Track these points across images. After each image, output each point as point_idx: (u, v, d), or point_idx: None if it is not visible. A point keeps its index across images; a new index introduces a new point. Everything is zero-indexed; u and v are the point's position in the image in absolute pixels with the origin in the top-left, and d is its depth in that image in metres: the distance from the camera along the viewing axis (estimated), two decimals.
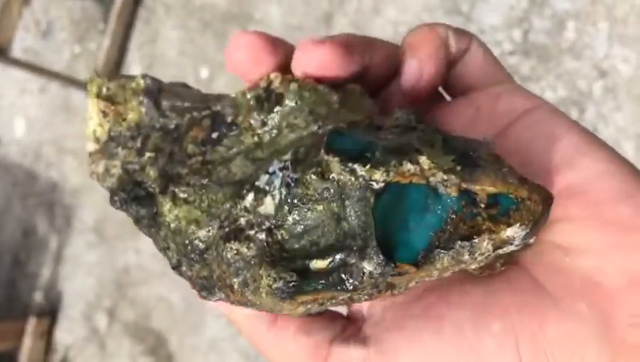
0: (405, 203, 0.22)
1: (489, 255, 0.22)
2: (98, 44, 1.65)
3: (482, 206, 0.22)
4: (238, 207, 0.24)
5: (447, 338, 0.23)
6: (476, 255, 0.22)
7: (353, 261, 0.22)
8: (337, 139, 0.22)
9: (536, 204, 0.22)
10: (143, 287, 1.55)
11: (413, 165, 0.22)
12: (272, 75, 0.26)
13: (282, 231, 0.23)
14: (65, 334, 1.65)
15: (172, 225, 0.26)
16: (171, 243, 0.26)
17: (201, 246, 0.25)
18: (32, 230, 1.76)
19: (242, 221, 0.24)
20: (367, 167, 0.22)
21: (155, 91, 0.28)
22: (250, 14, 1.48)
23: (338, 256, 0.22)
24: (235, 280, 0.23)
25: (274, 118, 0.25)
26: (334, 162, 0.22)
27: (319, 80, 0.26)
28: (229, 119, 0.26)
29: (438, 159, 0.22)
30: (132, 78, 0.29)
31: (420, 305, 0.25)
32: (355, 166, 0.22)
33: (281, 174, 0.23)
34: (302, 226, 0.23)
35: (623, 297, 0.23)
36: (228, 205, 0.24)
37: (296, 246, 0.23)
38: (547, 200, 0.22)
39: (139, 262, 1.56)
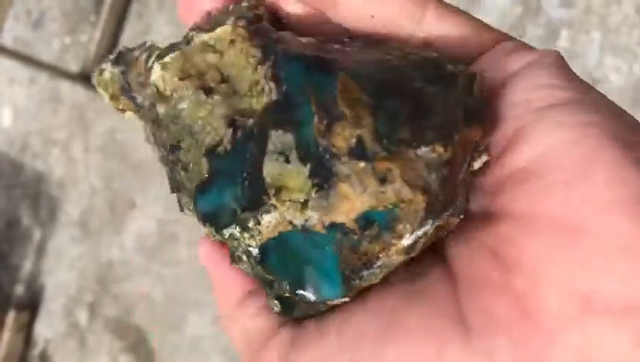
0: (295, 246, 0.20)
1: (405, 258, 0.20)
2: (89, 36, 1.63)
3: (357, 232, 0.19)
4: None
5: (346, 346, 0.20)
6: (392, 268, 0.20)
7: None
8: (201, 201, 0.21)
9: (412, 203, 0.18)
10: (126, 283, 1.54)
11: (269, 216, 0.19)
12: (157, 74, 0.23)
13: None
14: (45, 328, 1.63)
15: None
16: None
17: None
18: (16, 221, 1.74)
19: None
20: (238, 231, 0.20)
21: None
22: None
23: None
24: None
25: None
26: (211, 229, 0.21)
27: None
28: None
29: (289, 194, 0.19)
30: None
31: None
32: (225, 232, 0.20)
33: None
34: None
35: (563, 336, 0.17)
36: None
37: None
38: (427, 189, 0.18)
39: (122, 258, 1.55)
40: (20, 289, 1.69)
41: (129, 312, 1.52)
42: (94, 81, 0.25)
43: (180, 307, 1.45)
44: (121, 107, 0.25)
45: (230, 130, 0.20)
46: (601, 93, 0.20)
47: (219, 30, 0.21)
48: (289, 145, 0.19)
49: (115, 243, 1.56)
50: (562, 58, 0.21)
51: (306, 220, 0.19)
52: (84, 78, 1.55)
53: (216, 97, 0.21)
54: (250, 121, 0.20)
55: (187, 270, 1.44)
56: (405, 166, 0.18)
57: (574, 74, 0.21)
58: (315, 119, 0.18)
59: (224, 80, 0.21)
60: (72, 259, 1.63)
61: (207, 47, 0.21)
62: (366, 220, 0.18)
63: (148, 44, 0.24)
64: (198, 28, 0.23)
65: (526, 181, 0.18)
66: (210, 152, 0.21)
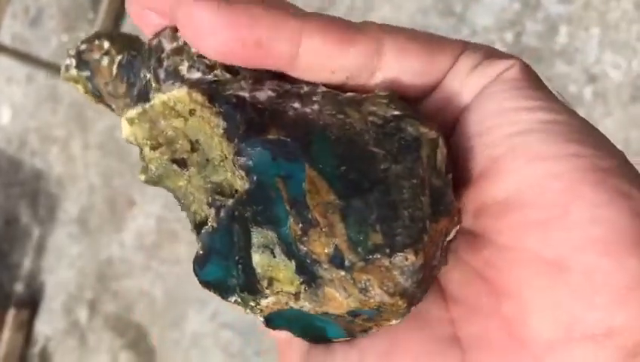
0: (297, 314, 0.21)
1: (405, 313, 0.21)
2: (87, 34, 1.63)
3: (349, 318, 0.20)
4: None
5: None
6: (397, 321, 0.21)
7: None
8: (200, 274, 0.21)
9: (394, 306, 0.19)
10: (126, 280, 1.54)
11: (267, 300, 0.20)
12: (126, 131, 0.22)
13: None
14: (45, 326, 1.63)
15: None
16: None
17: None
18: (15, 219, 1.74)
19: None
20: (241, 301, 0.20)
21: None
22: None
23: None
24: None
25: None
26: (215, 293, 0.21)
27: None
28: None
29: (281, 285, 0.20)
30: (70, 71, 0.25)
31: None
32: (230, 299, 0.21)
33: None
34: None
35: (549, 359, 0.18)
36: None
37: None
38: (405, 293, 0.19)
39: (122, 255, 1.55)
40: (19, 288, 1.69)
41: (129, 309, 1.53)
42: (62, 77, 0.25)
43: (179, 304, 1.45)
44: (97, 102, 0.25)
45: (213, 210, 0.21)
46: (571, 111, 0.20)
47: (176, 92, 0.21)
48: (272, 241, 0.20)
49: (115, 240, 1.56)
50: (527, 68, 0.21)
51: (301, 307, 0.20)
52: None
53: (191, 169, 0.21)
54: (230, 202, 0.20)
55: (187, 267, 1.44)
56: (382, 276, 0.19)
57: (542, 86, 0.21)
58: (291, 220, 0.19)
59: (194, 148, 0.21)
60: (71, 256, 1.63)
61: (169, 109, 0.21)
62: (354, 314, 0.20)
63: (103, 43, 0.24)
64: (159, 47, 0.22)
65: (505, 213, 0.19)
66: (199, 227, 0.21)
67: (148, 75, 0.21)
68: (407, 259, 0.18)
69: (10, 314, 1.59)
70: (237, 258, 0.20)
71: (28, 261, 1.69)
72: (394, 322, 0.20)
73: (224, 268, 0.21)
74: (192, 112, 0.21)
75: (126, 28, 1.61)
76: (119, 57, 0.23)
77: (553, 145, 0.18)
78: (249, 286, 0.20)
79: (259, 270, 0.20)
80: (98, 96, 0.24)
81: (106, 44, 0.24)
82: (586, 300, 0.17)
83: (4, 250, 1.74)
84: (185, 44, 0.21)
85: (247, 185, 0.20)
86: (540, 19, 1.18)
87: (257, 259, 0.20)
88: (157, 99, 0.21)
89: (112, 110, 0.24)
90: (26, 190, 1.73)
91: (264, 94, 0.21)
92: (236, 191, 0.20)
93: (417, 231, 0.19)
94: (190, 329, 1.44)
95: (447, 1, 1.26)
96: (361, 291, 0.19)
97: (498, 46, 1.20)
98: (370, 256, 0.18)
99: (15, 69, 1.75)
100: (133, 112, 0.21)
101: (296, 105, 0.21)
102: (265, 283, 0.20)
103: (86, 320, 1.58)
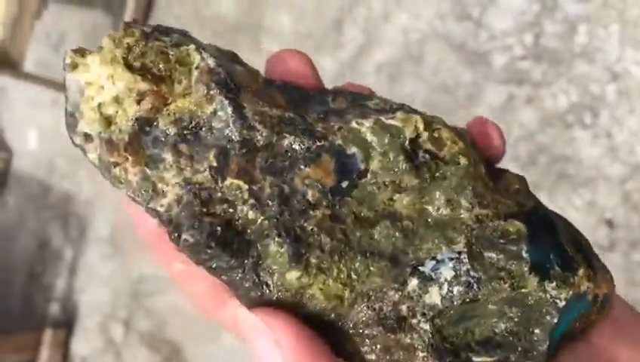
0: None
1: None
2: None
3: (597, 304, 0.23)
4: (400, 292, 0.21)
5: None
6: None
7: (514, 359, 0.21)
8: (531, 253, 0.22)
9: (612, 294, 0.24)
10: (158, 297, 1.56)
11: (578, 278, 0.22)
12: (420, 125, 0.21)
13: (442, 321, 0.21)
14: (81, 345, 1.66)
15: (294, 292, 0.21)
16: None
17: (349, 325, 0.21)
18: (47, 242, 1.77)
19: (403, 308, 0.21)
20: (556, 284, 0.21)
21: (229, 82, 0.21)
22: (260, 23, 1.48)
23: (503, 354, 0.21)
24: None
25: (430, 190, 0.22)
26: (531, 279, 0.21)
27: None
28: (360, 165, 0.21)
29: (585, 269, 0.22)
30: (178, 42, 0.21)
31: None
32: (547, 285, 0.21)
33: (451, 264, 0.21)
34: (463, 318, 0.22)
35: None
36: (380, 284, 0.21)
37: (452, 333, 0.22)
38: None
39: (153, 272, 1.57)
40: (54, 308, 1.71)
41: (163, 326, 1.54)
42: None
43: (212, 318, 1.47)
44: None
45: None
46: None
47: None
48: None
49: (146, 258, 1.58)
50: None
51: (588, 287, 0.23)
52: None
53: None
54: None
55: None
56: None
57: None
58: None
59: None
60: (104, 276, 1.65)
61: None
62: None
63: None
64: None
65: None
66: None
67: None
68: None
69: (47, 335, 1.61)
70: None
71: (62, 282, 1.72)
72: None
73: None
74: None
75: None
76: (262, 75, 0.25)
77: None
78: (565, 263, 0.22)
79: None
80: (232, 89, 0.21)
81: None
82: None
83: (38, 271, 1.77)
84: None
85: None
86: (559, 20, 1.18)
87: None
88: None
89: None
90: (56, 213, 1.76)
91: None
92: None
93: None
94: (224, 343, 1.45)
95: (464, 6, 1.26)
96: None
97: (517, 49, 1.20)
98: None
99: (40, 94, 1.79)
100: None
101: None
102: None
103: (121, 338, 1.60)
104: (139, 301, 1.59)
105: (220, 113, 0.21)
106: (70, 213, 1.73)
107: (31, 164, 1.83)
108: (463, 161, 0.22)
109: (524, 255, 0.21)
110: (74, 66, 0.22)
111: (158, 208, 0.21)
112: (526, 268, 0.21)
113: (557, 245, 0.22)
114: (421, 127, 0.21)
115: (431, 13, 1.29)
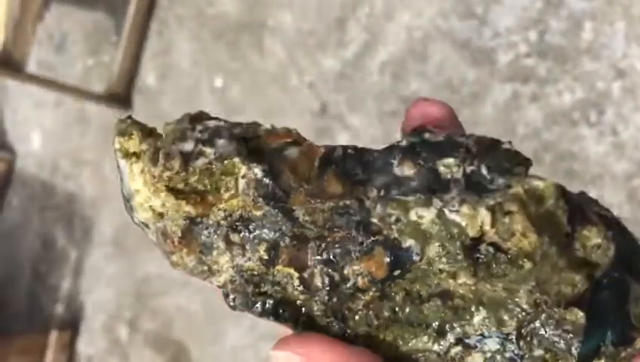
0: None
1: None
2: (111, 57, 1.65)
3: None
4: (442, 354, 0.22)
5: None
6: None
7: None
8: (583, 347, 0.21)
9: None
10: (163, 297, 1.56)
11: (633, 349, 0.22)
12: (487, 224, 0.20)
13: None
14: (87, 346, 1.66)
15: None
16: None
17: None
18: (51, 243, 1.77)
19: None
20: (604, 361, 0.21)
21: (277, 192, 0.21)
22: (263, 22, 1.48)
23: None
24: None
25: (491, 280, 0.21)
26: None
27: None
28: (415, 257, 0.21)
29: None
30: (222, 155, 0.20)
31: None
32: None
33: (497, 339, 0.21)
34: None
35: None
36: (423, 348, 0.21)
37: None
38: None
39: (158, 273, 1.57)
40: (60, 309, 1.72)
41: (168, 326, 1.54)
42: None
43: (218, 318, 1.47)
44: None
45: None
46: None
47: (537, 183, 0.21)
48: None
49: (150, 258, 1.58)
50: None
51: None
52: (109, 98, 1.57)
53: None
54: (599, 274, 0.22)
55: None
56: None
57: None
58: None
59: None
60: (108, 276, 1.65)
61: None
62: None
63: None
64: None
65: None
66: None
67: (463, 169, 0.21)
68: None
69: (53, 337, 1.61)
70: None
71: (66, 283, 1.72)
72: None
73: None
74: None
75: (149, 49, 1.63)
76: (321, 149, 0.22)
77: None
78: (620, 340, 0.21)
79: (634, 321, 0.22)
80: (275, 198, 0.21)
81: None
82: None
83: (43, 272, 1.77)
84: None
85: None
86: (564, 17, 1.17)
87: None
88: (519, 185, 0.20)
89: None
90: (60, 213, 1.76)
91: None
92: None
93: None
94: (230, 343, 1.45)
95: (467, 4, 1.25)
96: None
97: (522, 46, 1.20)
98: None
99: (43, 95, 1.79)
100: (490, 201, 0.20)
101: None
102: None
103: (126, 338, 1.60)
104: (144, 301, 1.59)
105: (269, 216, 0.21)
106: (74, 213, 1.73)
107: (34, 165, 1.83)
108: (527, 265, 0.20)
109: (574, 351, 0.21)
110: (125, 153, 0.22)
111: (215, 283, 0.22)
112: (573, 361, 0.21)
113: (618, 320, 0.21)
114: (487, 226, 0.20)
115: (434, 11, 1.28)
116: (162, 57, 1.61)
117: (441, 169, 0.21)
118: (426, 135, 0.22)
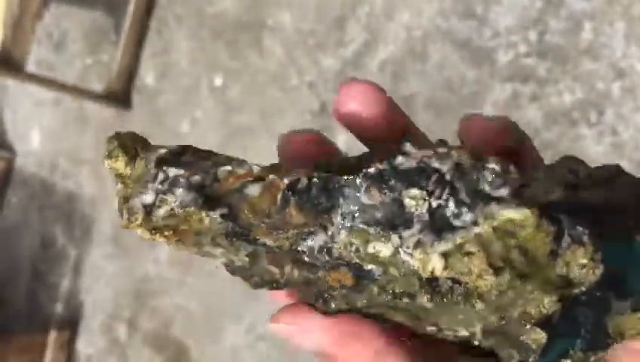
0: None
1: None
2: (110, 56, 1.65)
3: None
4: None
5: None
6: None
7: None
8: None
9: None
10: (162, 297, 1.56)
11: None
12: (438, 269, 0.20)
13: None
14: (86, 345, 1.66)
15: None
16: None
17: None
18: (51, 241, 1.77)
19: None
20: None
21: (237, 230, 0.22)
22: (262, 21, 1.48)
23: None
24: None
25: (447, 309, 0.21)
26: None
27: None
28: (378, 277, 0.21)
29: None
30: (182, 203, 0.22)
31: None
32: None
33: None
34: None
35: None
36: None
37: None
38: None
39: (157, 272, 1.57)
40: (59, 308, 1.72)
41: (167, 325, 1.54)
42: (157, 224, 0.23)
43: (216, 318, 1.47)
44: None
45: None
46: None
47: (515, 213, 0.20)
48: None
49: (150, 258, 1.58)
50: None
51: None
52: (108, 97, 1.57)
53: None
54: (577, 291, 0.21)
55: (221, 281, 1.46)
56: None
57: None
58: None
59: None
60: (108, 276, 1.65)
61: (504, 231, 0.21)
62: None
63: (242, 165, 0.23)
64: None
65: None
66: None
67: (435, 201, 0.20)
68: None
69: (52, 336, 1.61)
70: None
71: (66, 282, 1.72)
72: None
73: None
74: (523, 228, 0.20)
75: (148, 48, 1.63)
76: (284, 181, 0.22)
77: None
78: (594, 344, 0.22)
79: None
80: (240, 234, 0.22)
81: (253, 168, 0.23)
82: None
83: (42, 271, 1.77)
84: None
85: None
86: (564, 17, 1.17)
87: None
88: (486, 223, 0.20)
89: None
90: (60, 212, 1.76)
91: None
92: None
93: None
94: (228, 342, 1.45)
95: (467, 3, 1.25)
96: None
97: (521, 46, 1.20)
98: None
99: (42, 93, 1.78)
100: (446, 245, 0.20)
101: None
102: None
103: (125, 338, 1.60)
104: (143, 301, 1.59)
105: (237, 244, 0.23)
106: (74, 212, 1.73)
107: (34, 164, 1.83)
108: (478, 306, 0.21)
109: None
110: (115, 173, 0.23)
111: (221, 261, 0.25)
112: None
113: (589, 332, 0.21)
114: (438, 272, 0.20)
115: (434, 11, 1.28)
116: (161, 56, 1.61)
117: (406, 201, 0.21)
118: (399, 159, 0.21)
